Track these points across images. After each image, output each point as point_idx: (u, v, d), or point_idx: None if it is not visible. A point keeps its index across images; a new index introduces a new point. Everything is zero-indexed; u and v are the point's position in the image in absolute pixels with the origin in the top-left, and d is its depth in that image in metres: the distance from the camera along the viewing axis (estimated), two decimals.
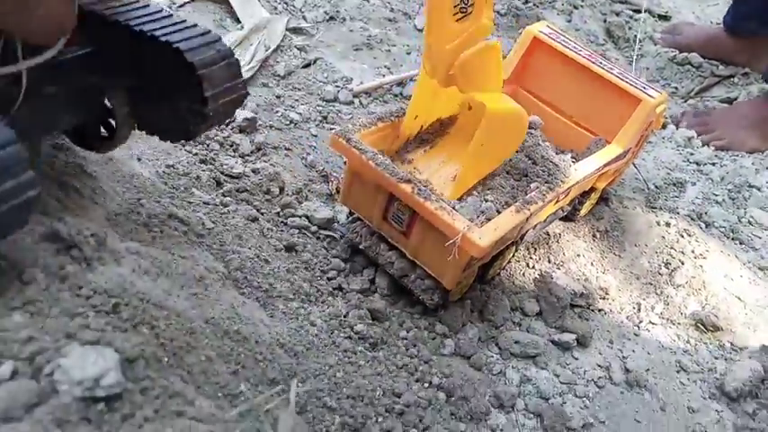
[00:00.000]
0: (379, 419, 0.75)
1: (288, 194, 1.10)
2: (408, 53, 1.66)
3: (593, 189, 1.24)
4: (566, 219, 1.28)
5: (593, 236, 1.32)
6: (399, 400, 0.79)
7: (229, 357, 0.63)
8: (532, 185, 0.99)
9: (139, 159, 0.94)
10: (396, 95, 1.52)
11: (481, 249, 0.83)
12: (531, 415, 0.93)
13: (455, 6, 0.78)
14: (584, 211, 1.29)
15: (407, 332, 0.95)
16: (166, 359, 0.53)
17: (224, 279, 0.76)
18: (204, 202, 0.92)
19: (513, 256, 1.13)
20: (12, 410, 0.42)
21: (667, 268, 1.27)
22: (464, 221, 0.85)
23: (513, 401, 0.93)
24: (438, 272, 0.94)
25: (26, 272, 0.51)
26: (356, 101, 1.45)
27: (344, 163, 1.09)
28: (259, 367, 0.66)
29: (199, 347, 0.58)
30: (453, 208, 0.87)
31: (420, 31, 1.75)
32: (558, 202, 1.06)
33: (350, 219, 1.06)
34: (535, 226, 1.10)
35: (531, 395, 0.96)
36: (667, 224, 1.35)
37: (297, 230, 1.04)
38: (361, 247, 1.01)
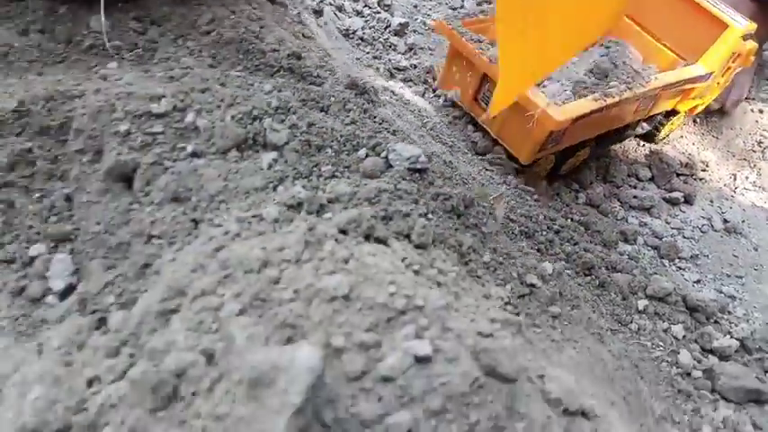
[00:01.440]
0: (543, 233, 1.04)
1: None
2: None
3: (675, 112, 1.35)
4: (646, 138, 1.42)
5: (694, 121, 1.55)
6: (555, 222, 1.08)
7: (453, 175, 0.93)
8: (611, 83, 1.10)
9: (328, 54, 1.23)
10: None
11: (557, 123, 0.97)
12: (650, 248, 1.21)
13: None
14: (663, 133, 1.40)
15: (549, 184, 1.23)
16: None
17: (428, 134, 1.05)
18: (387, 86, 1.21)
19: (588, 158, 1.28)
20: (375, 172, 0.73)
21: (760, 147, 1.50)
22: (545, 99, 1.00)
23: (635, 237, 1.21)
24: (516, 149, 1.10)
25: (332, 105, 0.82)
26: (478, 8, 1.69)
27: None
28: (471, 190, 0.96)
29: (435, 166, 0.88)
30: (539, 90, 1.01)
31: None
32: (637, 111, 1.19)
33: (443, 104, 1.23)
34: (612, 133, 1.23)
35: (648, 235, 1.24)
36: (760, 111, 1.56)
37: (451, 108, 1.32)
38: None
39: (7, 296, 0.67)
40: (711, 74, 1.26)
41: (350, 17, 1.45)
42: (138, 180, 0.68)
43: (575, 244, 1.08)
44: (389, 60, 1.36)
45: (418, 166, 0.75)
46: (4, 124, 0.68)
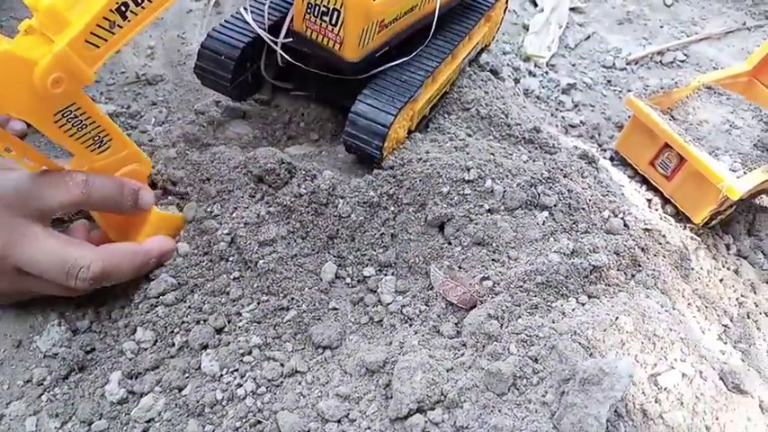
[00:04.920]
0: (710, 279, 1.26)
1: (605, 138, 1.62)
2: (661, 26, 2.09)
3: None
4: None
5: None
6: (719, 271, 1.30)
7: (666, 233, 1.16)
8: None
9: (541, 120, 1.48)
10: (656, 63, 1.97)
11: (738, 195, 1.17)
12: None
13: None
14: None
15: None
16: None
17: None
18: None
19: (731, 213, 1.47)
20: (617, 230, 0.98)
21: None
22: (729, 173, 1.21)
23: None
24: (690, 210, 1.30)
25: (572, 174, 1.07)
26: (628, 68, 1.92)
27: (629, 117, 1.50)
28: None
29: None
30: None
31: (668, 6, 2.17)
32: None
33: (613, 162, 1.49)
34: (759, 192, 1.43)
35: None
36: None
37: (621, 166, 1.55)
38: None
39: (349, 304, 0.95)
40: None
41: (525, 77, 1.71)
42: (449, 227, 0.96)
43: (735, 291, 1.30)
44: (563, 118, 1.61)
45: (650, 227, 0.99)
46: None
